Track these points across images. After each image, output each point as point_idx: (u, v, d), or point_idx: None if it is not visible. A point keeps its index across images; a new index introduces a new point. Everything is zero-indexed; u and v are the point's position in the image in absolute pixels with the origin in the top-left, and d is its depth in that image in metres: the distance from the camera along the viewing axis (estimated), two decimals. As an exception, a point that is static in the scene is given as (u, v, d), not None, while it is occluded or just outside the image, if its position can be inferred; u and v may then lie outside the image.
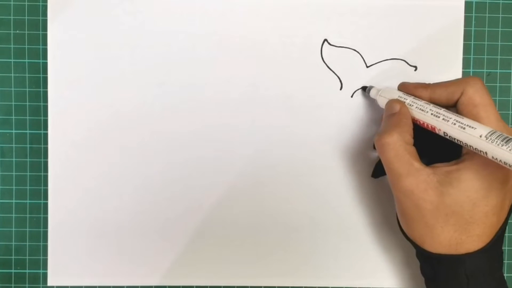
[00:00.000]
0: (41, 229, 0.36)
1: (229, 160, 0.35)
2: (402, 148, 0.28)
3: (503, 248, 0.30)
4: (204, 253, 0.35)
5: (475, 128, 0.26)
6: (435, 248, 0.28)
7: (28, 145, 0.36)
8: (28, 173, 0.36)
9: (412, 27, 0.34)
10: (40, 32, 0.36)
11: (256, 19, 0.34)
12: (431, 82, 0.31)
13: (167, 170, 0.35)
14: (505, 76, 0.36)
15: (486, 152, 0.26)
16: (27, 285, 0.36)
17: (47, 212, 0.35)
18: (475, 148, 0.26)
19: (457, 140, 0.27)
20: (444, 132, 0.28)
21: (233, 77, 0.34)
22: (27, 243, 0.36)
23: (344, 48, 0.34)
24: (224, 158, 0.35)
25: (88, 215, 0.35)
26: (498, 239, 0.28)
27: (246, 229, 0.35)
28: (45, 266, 0.35)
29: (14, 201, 0.36)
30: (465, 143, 0.27)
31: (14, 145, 0.36)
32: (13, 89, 0.36)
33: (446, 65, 0.34)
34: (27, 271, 0.36)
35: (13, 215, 0.36)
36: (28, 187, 0.36)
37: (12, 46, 0.36)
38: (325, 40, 0.34)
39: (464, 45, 0.35)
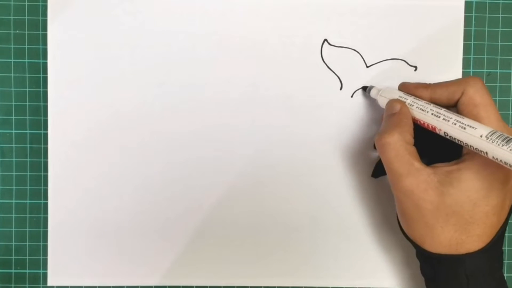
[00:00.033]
0: (41, 229, 0.36)
1: (229, 160, 0.35)
2: (403, 148, 0.28)
3: (503, 248, 0.30)
4: (204, 253, 0.35)
5: (476, 128, 0.26)
6: (435, 248, 0.28)
7: (28, 145, 0.36)
8: (28, 173, 0.36)
9: (412, 27, 0.34)
10: (40, 32, 0.36)
11: (256, 19, 0.34)
12: (432, 82, 0.31)
13: (167, 170, 0.35)
14: (505, 76, 0.36)
15: (486, 152, 0.26)
16: (27, 285, 0.36)
17: (47, 212, 0.35)
18: (476, 148, 0.26)
19: (458, 140, 0.27)
20: (444, 132, 0.28)
21: (233, 77, 0.34)
22: (27, 243, 0.36)
23: (344, 48, 0.34)
24: (224, 158, 0.35)
25: (88, 215, 0.35)
26: (498, 239, 0.28)
27: (246, 229, 0.35)
28: (45, 266, 0.35)
29: (14, 201, 0.36)
30: (465, 143, 0.27)
31: (14, 145, 0.36)
32: (13, 89, 0.36)
33: (446, 65, 0.34)
34: (27, 271, 0.36)
35: (13, 215, 0.36)
36: (28, 187, 0.36)
37: (12, 46, 0.36)
38: (325, 40, 0.34)
39: (464, 45, 0.35)
